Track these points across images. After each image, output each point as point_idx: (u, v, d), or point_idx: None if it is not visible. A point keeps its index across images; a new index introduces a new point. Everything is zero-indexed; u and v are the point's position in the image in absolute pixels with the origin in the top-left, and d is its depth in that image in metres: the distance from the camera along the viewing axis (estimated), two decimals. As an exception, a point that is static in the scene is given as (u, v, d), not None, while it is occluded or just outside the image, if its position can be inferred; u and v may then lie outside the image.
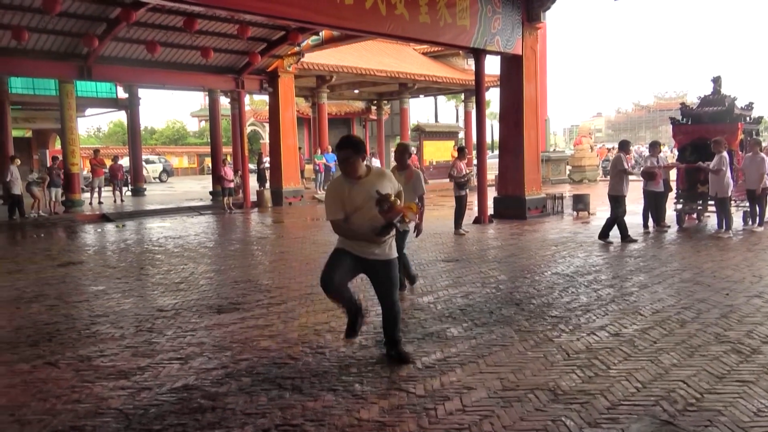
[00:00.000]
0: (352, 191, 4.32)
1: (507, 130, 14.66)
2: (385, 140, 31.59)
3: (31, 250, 11.31)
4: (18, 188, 15.16)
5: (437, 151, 27.98)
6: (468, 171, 12.19)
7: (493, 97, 36.42)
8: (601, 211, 14.79)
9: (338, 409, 3.80)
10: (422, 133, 27.96)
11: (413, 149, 5.98)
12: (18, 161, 15.95)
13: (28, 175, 16.78)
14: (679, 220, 11.90)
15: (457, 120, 40.82)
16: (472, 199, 13.87)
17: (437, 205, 18.15)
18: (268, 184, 20.78)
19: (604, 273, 7.80)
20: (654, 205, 11.53)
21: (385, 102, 30.63)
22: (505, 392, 4.00)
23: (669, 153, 27.80)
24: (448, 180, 25.29)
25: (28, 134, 29.93)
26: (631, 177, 10.43)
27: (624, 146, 10.93)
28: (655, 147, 11.86)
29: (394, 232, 4.40)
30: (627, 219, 10.34)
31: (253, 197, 19.21)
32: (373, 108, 31.29)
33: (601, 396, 3.90)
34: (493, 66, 15.63)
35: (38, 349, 5.17)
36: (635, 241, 10.12)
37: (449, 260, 9.00)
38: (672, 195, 12.49)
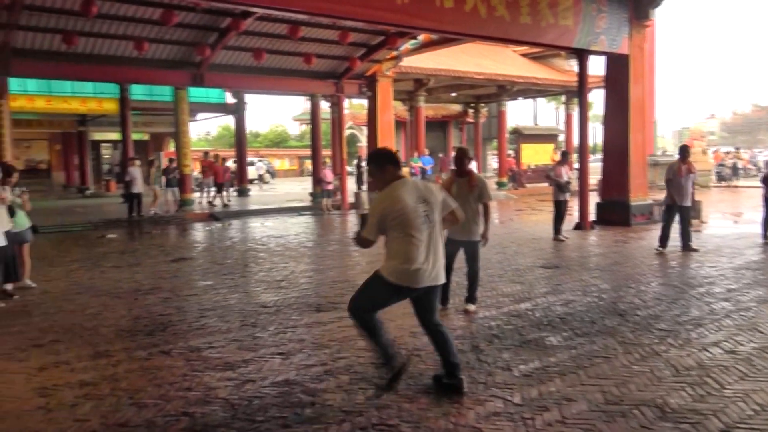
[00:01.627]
0: None
1: (611, 133, 14.09)
2: (482, 143, 31.23)
3: (147, 245, 12.14)
4: (137, 187, 16.30)
5: (536, 154, 27.33)
6: (569, 176, 11.80)
7: (596, 98, 35.25)
8: (714, 219, 13.87)
9: (434, 412, 3.80)
10: (520, 135, 27.40)
11: (472, 153, 5.81)
12: (138, 163, 17.17)
13: (146, 176, 18.03)
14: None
15: (557, 122, 39.69)
16: (573, 204, 13.42)
17: (535, 210, 17.73)
18: (365, 187, 21.11)
19: (718, 285, 7.31)
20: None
21: (483, 105, 30.27)
22: (608, 406, 3.85)
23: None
24: (547, 184, 24.64)
25: (146, 137, 32.13)
26: None
27: None
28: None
29: None
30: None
31: (351, 199, 19.60)
32: (470, 111, 31.02)
33: (714, 417, 3.66)
34: (596, 66, 15.09)
35: (153, 338, 5.55)
36: None
37: (548, 267, 8.76)
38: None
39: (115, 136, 27.33)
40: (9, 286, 7.33)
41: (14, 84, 16.58)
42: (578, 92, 14.19)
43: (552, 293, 7.06)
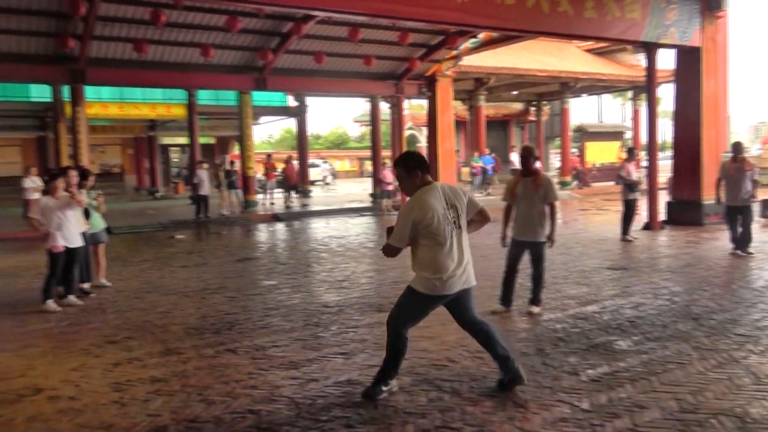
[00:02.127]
0: None
1: (682, 129, 13.52)
2: (544, 142, 30.61)
3: (213, 246, 12.49)
4: (204, 189, 16.81)
5: (601, 153, 26.55)
6: (638, 174, 11.39)
7: (665, 93, 33.91)
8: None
9: (498, 416, 3.73)
10: (585, 133, 26.69)
11: (537, 152, 5.61)
12: (205, 165, 17.70)
13: (213, 178, 18.58)
14: None
15: (623, 119, 38.45)
16: (641, 204, 12.94)
17: (601, 210, 17.23)
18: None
19: (801, 289, 6.88)
20: None
21: (545, 102, 29.65)
22: (683, 414, 3.67)
23: None
24: (613, 183, 23.88)
25: (212, 141, 33.14)
26: None
27: None
28: None
29: None
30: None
31: (410, 200, 19.59)
32: (532, 109, 30.45)
33: (800, 428, 3.44)
34: (665, 60, 14.50)
35: (220, 336, 5.69)
36: None
37: (616, 268, 8.48)
38: None
39: (183, 140, 28.41)
40: (86, 285, 7.69)
41: (89, 92, 17.44)
42: (646, 87, 13.70)
43: (620, 296, 6.82)
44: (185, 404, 4.08)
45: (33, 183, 14.19)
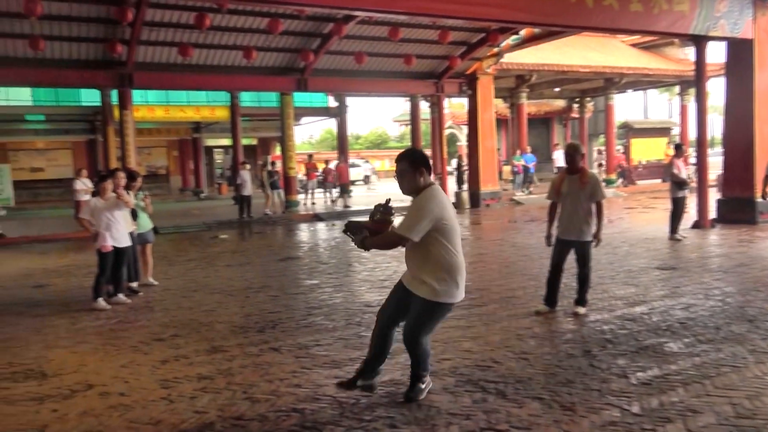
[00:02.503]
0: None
1: (733, 125, 13.05)
2: (588, 139, 29.99)
3: (257, 245, 12.66)
4: (247, 190, 17.06)
5: (647, 150, 25.89)
6: (688, 171, 11.03)
7: (715, 87, 32.86)
8: None
9: (545, 419, 3.66)
10: (630, 130, 26.06)
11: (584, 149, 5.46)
12: (248, 166, 17.96)
13: (259, 178, 18.82)
14: None
15: (670, 115, 37.41)
16: (691, 201, 12.56)
17: (648, 208, 16.81)
18: (465, 186, 20.91)
19: None
20: None
21: (589, 99, 29.06)
22: (739, 420, 3.54)
23: None
24: (660, 180, 23.26)
25: (254, 142, 33.62)
26: None
27: None
28: None
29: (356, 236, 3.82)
30: None
31: (451, 199, 19.44)
32: (575, 106, 29.88)
33: None
34: (715, 53, 14.04)
35: (264, 335, 5.75)
36: None
37: (664, 268, 8.24)
38: None
39: (226, 141, 28.91)
40: (134, 284, 7.89)
41: (136, 95, 17.89)
42: (695, 82, 13.29)
43: (670, 296, 6.62)
44: (231, 402, 4.13)
45: (83, 184, 14.63)
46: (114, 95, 15.76)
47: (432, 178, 3.85)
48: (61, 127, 26.92)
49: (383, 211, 3.82)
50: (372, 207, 3.94)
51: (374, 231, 3.80)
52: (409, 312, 3.85)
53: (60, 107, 23.69)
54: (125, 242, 7.32)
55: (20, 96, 21.93)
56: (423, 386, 4.03)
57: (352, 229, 3.81)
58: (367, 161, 40.58)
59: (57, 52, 13.99)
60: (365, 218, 3.96)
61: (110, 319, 6.58)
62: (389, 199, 3.94)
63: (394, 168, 3.88)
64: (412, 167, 3.74)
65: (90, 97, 21.70)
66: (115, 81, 15.03)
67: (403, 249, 3.89)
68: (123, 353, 5.34)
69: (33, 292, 8.33)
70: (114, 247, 7.15)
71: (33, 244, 13.68)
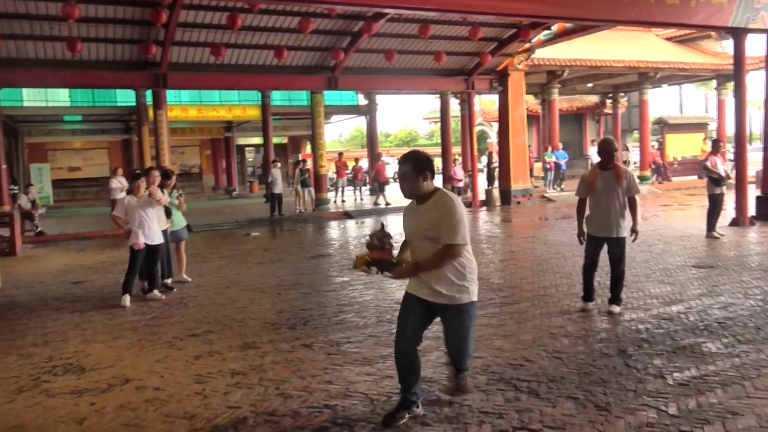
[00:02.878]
0: (412, 214, 3.67)
1: (774, 119, 12.70)
2: (621, 135, 29.47)
3: (288, 243, 12.76)
4: (278, 188, 17.21)
5: (682, 146, 25.33)
6: (725, 166, 10.74)
7: (753, 81, 31.96)
8: None
9: (579, 419, 3.61)
10: (665, 125, 25.54)
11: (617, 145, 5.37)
12: (279, 164, 18.11)
13: (291, 177, 18.97)
14: None
15: (706, 110, 36.52)
16: (728, 198, 12.25)
17: (683, 205, 16.45)
18: (496, 183, 20.75)
19: None
20: None
21: (622, 94, 28.56)
22: (782, 423, 3.43)
23: None
24: (696, 177, 22.75)
25: (285, 141, 33.91)
26: None
27: None
28: None
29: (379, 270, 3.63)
30: None
31: (481, 196, 19.35)
32: (608, 101, 29.38)
33: None
34: (754, 46, 13.65)
35: (296, 331, 5.79)
36: None
37: (701, 266, 8.05)
38: None
39: (258, 140, 29.21)
40: (169, 281, 8.02)
41: (170, 96, 18.20)
42: (734, 76, 12.97)
43: (707, 295, 6.47)
44: (263, 397, 4.17)
45: (119, 183, 14.93)
46: (148, 96, 16.04)
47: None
48: (98, 127, 27.55)
49: (381, 236, 3.65)
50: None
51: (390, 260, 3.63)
52: (449, 325, 3.67)
53: (96, 108, 24.25)
54: (158, 240, 7.43)
55: (59, 97, 22.51)
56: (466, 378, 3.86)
57: (379, 266, 3.61)
58: (396, 158, 40.70)
59: (93, 54, 14.30)
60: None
61: (145, 315, 6.71)
62: (383, 224, 3.83)
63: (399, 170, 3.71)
64: (416, 171, 3.55)
65: (125, 98, 22.18)
66: (150, 82, 15.29)
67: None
68: (158, 348, 5.44)
69: (72, 288, 8.54)
70: (146, 244, 7.25)
71: (71, 242, 14.04)
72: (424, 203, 3.57)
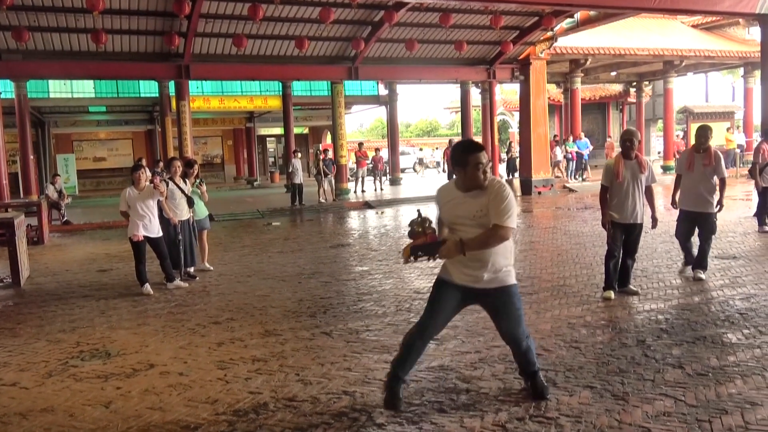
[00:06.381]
0: (459, 204, 3.65)
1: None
2: (645, 124, 29.07)
3: (308, 232, 12.86)
4: (299, 178, 17.32)
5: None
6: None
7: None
8: None
9: (596, 408, 3.62)
10: (690, 114, 25.12)
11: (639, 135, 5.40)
12: (299, 155, 18.22)
13: (314, 166, 19.08)
14: None
15: (733, 98, 35.79)
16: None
17: (708, 196, 16.18)
18: (517, 173, 20.64)
19: None
20: None
21: (647, 83, 28.13)
22: (802, 414, 3.42)
23: None
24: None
25: (306, 131, 34.02)
26: None
27: None
28: None
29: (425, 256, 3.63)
30: None
31: (502, 186, 19.26)
32: (632, 90, 28.97)
33: None
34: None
35: (316, 319, 5.87)
36: None
37: (724, 257, 7.96)
38: None
39: (279, 130, 29.33)
40: (191, 269, 8.16)
41: (193, 86, 18.38)
42: (761, 63, 12.69)
43: (729, 286, 6.41)
44: (284, 383, 4.25)
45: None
46: (171, 87, 16.23)
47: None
48: (122, 118, 27.90)
49: (421, 222, 3.68)
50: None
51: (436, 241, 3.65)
52: (502, 310, 3.68)
53: (120, 99, 24.54)
54: (157, 233, 7.35)
55: (84, 89, 22.82)
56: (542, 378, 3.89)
57: (426, 251, 3.62)
58: (421, 149, 40.80)
59: (117, 46, 14.50)
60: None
61: (169, 303, 6.84)
62: (419, 210, 3.87)
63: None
64: (462, 166, 3.54)
65: (149, 89, 22.42)
66: (173, 73, 15.47)
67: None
68: (181, 335, 5.56)
69: (98, 275, 8.73)
70: (145, 236, 7.23)
71: (96, 231, 14.31)
72: (473, 190, 3.53)
